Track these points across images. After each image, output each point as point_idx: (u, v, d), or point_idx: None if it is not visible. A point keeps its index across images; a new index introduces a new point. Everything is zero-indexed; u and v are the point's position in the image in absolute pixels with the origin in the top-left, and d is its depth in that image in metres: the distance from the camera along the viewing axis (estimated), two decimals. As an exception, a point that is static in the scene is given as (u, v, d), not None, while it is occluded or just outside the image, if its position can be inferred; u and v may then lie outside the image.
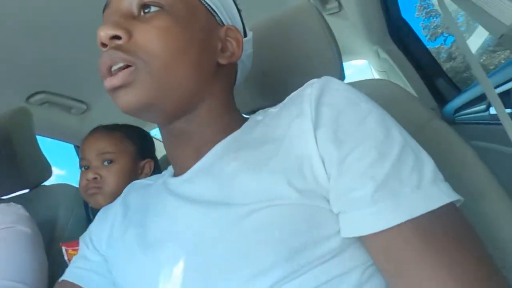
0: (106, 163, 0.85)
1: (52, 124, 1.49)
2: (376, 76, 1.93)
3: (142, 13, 0.46)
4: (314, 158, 0.39)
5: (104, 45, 0.44)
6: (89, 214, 1.01)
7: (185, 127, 0.50)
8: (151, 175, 0.90)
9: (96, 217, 0.61)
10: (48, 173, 1.01)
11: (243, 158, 0.44)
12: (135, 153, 0.89)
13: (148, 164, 0.91)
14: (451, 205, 0.35)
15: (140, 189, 0.59)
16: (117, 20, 0.45)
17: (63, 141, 1.65)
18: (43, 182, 1.00)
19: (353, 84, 0.86)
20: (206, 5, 0.50)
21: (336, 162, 0.38)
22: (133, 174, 0.88)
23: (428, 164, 0.37)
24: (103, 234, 0.56)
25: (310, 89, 0.44)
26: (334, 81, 0.45)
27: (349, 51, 1.64)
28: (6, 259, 0.60)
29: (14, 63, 1.11)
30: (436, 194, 0.35)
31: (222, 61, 0.51)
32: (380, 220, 0.34)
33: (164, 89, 0.45)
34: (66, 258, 0.74)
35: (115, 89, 0.44)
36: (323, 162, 0.39)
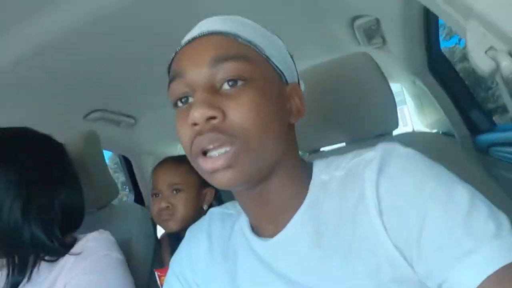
0: (175, 192, 0.95)
1: (103, 137, 1.59)
2: (408, 98, 1.99)
3: (226, 86, 0.46)
4: (389, 250, 0.41)
5: (195, 123, 0.45)
6: (156, 234, 1.11)
7: (263, 192, 0.51)
8: (212, 201, 1.00)
9: (181, 248, 0.67)
10: (115, 192, 1.11)
11: (326, 246, 0.46)
12: (199, 183, 0.99)
13: (209, 192, 1.01)
14: None
15: (222, 221, 0.64)
16: (208, 99, 0.45)
17: (111, 151, 1.76)
18: (111, 201, 1.10)
19: (405, 137, 0.93)
20: (275, 68, 0.51)
21: (412, 247, 0.39)
22: (198, 201, 0.98)
23: (502, 215, 0.39)
24: (190, 265, 0.62)
25: (369, 172, 0.45)
26: (392, 156, 0.45)
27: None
28: (107, 286, 0.69)
29: (75, 84, 1.20)
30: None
31: (292, 120, 0.52)
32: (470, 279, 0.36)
33: (259, 165, 0.47)
34: (159, 283, 0.83)
35: (216, 170, 0.45)
36: (399, 251, 0.41)
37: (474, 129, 1.47)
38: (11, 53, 0.91)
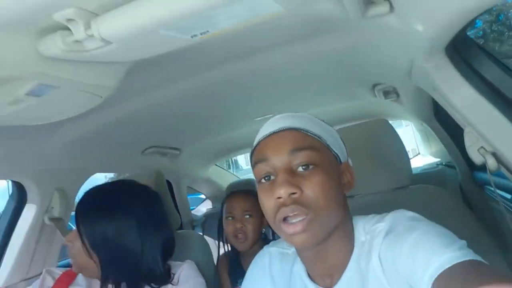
0: (247, 216, 1.26)
1: (153, 165, 1.86)
2: (417, 132, 2.25)
3: (301, 169, 0.61)
4: None
5: (279, 197, 0.59)
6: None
7: (323, 250, 0.64)
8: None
9: (250, 275, 0.81)
10: (178, 222, 1.36)
11: None
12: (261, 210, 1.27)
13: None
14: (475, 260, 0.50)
15: (281, 262, 0.76)
16: (289, 179, 0.59)
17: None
18: (176, 230, 1.35)
19: (409, 190, 1.17)
20: (333, 152, 0.66)
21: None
22: (262, 225, 1.27)
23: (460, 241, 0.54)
24: None
25: (377, 241, 0.61)
26: (395, 226, 0.61)
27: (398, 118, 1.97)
28: None
29: (136, 128, 1.44)
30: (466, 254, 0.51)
31: (346, 191, 0.67)
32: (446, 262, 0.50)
33: (326, 229, 0.61)
34: None
35: (296, 233, 0.59)
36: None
37: (472, 165, 1.71)
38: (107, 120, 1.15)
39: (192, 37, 0.50)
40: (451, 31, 0.63)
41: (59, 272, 0.99)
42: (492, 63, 0.80)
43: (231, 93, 1.23)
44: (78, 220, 0.91)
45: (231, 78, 1.06)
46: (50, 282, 0.96)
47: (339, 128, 1.22)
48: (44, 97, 0.52)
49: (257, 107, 1.48)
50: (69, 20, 0.41)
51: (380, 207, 1.04)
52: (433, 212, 1.04)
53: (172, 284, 0.95)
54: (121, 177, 1.35)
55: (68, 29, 0.43)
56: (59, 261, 1.45)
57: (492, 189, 1.48)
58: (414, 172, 2.10)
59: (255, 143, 0.68)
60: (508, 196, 1.27)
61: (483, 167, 1.22)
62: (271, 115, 1.74)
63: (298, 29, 0.81)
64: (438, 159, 2.15)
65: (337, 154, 0.66)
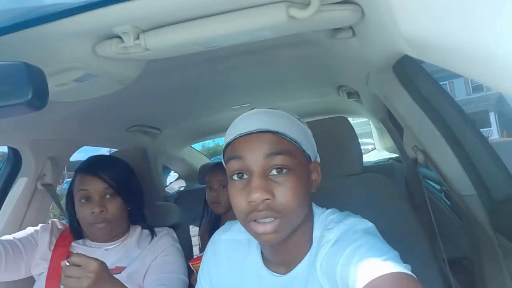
0: (222, 187, 1.48)
1: (136, 142, 2.00)
2: (374, 129, 2.54)
3: (274, 172, 0.63)
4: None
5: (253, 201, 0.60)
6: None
7: (286, 244, 0.67)
8: None
9: (206, 260, 0.86)
10: (163, 194, 1.53)
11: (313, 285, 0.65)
12: None
13: None
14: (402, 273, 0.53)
15: (233, 249, 0.79)
16: (263, 185, 0.61)
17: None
18: (158, 202, 1.52)
19: (360, 177, 1.40)
20: (307, 156, 0.68)
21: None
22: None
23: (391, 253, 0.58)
24: (211, 275, 0.82)
25: (323, 250, 0.65)
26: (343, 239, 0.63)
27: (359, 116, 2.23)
28: (174, 264, 1.13)
29: (122, 108, 1.58)
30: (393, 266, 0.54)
31: (312, 190, 0.70)
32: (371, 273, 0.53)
33: (292, 228, 0.65)
34: (194, 270, 1.16)
35: (265, 233, 0.62)
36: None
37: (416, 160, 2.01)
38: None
39: (205, 48, 0.67)
40: (396, 55, 0.84)
41: (61, 226, 1.15)
42: (428, 79, 1.04)
43: (210, 81, 1.38)
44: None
45: (212, 67, 1.20)
46: (56, 231, 1.12)
47: (306, 121, 1.44)
48: (85, 82, 0.67)
49: (235, 96, 1.65)
50: (124, 33, 0.57)
51: (335, 191, 1.27)
52: (377, 197, 1.30)
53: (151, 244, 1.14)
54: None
55: (120, 37, 0.59)
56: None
57: (427, 181, 1.77)
58: (368, 164, 2.40)
59: (230, 138, 0.67)
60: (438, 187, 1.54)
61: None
62: (247, 105, 1.96)
63: (279, 39, 0.99)
64: (395, 155, 2.44)
65: (309, 155, 0.69)
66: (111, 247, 1.13)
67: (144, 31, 0.57)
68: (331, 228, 0.67)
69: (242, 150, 0.64)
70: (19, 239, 1.09)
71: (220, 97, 1.66)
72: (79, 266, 0.74)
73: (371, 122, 2.43)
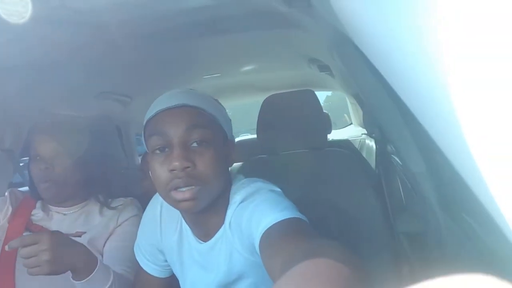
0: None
1: (106, 110, 1.96)
2: (349, 104, 2.54)
3: (195, 144, 0.66)
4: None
5: (174, 170, 0.64)
6: None
7: (204, 214, 0.72)
8: None
9: (146, 219, 0.92)
10: (136, 161, 1.52)
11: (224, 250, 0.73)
12: None
13: None
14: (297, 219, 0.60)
15: (169, 215, 0.83)
16: (185, 154, 0.64)
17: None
18: (129, 169, 1.51)
19: (323, 152, 1.41)
20: (224, 132, 0.73)
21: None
22: None
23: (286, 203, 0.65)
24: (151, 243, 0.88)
25: (230, 209, 0.72)
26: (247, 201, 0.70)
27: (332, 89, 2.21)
28: (135, 234, 1.13)
29: (90, 73, 1.53)
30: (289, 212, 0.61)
31: (229, 166, 0.75)
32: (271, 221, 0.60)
33: (211, 198, 0.69)
34: None
35: (184, 200, 0.65)
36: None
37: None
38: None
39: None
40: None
41: (20, 195, 1.14)
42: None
43: (181, 48, 1.35)
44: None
45: (182, 34, 1.16)
46: (14, 201, 1.10)
47: (273, 94, 1.43)
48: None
49: (205, 65, 1.62)
50: None
51: (296, 164, 1.28)
52: (338, 171, 1.32)
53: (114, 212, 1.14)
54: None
55: None
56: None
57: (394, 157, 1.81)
58: (341, 140, 2.42)
59: (150, 114, 0.70)
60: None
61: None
62: (218, 75, 1.93)
63: (239, 8, 0.96)
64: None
65: (226, 132, 0.74)
66: (70, 212, 1.13)
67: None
68: (238, 191, 0.73)
69: (163, 125, 0.67)
70: None
71: (190, 66, 1.62)
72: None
73: (346, 97, 2.44)
